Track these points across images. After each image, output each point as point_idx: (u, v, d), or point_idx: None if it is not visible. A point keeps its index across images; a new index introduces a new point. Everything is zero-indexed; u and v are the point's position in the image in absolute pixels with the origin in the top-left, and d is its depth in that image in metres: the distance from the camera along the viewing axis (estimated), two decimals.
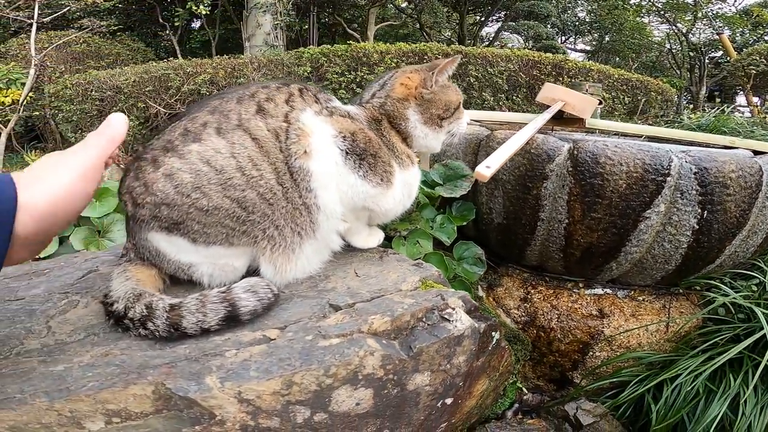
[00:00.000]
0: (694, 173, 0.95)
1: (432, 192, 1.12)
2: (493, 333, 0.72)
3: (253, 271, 0.70)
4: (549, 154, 1.01)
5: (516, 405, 1.13)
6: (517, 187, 1.06)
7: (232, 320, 0.60)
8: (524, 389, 1.19)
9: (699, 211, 0.97)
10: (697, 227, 0.98)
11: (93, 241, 1.12)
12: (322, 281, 0.75)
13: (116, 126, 0.54)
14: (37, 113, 4.11)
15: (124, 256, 0.71)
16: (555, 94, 1.60)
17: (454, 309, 0.67)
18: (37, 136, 5.07)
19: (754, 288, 1.12)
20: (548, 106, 1.56)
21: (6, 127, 3.43)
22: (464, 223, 1.13)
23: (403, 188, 0.75)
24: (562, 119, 1.59)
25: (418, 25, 8.87)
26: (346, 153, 0.67)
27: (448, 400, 0.69)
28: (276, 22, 6.36)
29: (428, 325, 0.65)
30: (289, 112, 0.65)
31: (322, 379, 0.55)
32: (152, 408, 0.51)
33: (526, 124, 1.66)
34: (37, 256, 0.49)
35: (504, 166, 1.09)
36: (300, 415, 0.55)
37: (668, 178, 0.94)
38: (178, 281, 0.71)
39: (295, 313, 0.65)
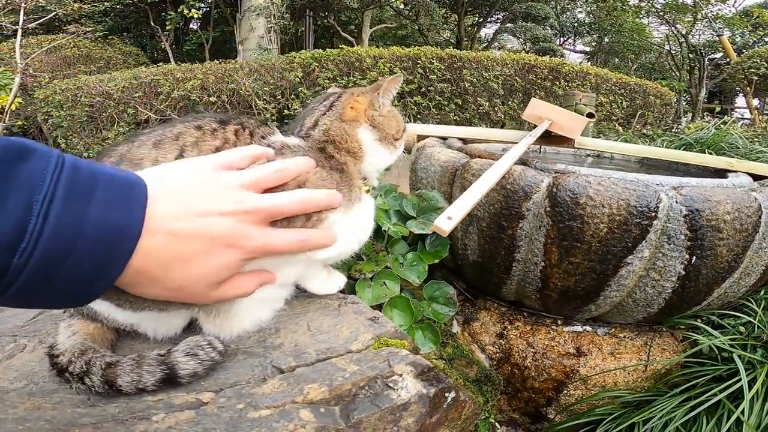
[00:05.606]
0: (684, 216, 0.87)
1: (402, 229, 1.05)
2: (447, 394, 0.66)
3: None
4: (526, 191, 0.94)
5: None
6: (492, 225, 0.99)
7: (171, 382, 0.56)
8: (497, 424, 1.12)
9: (687, 257, 0.89)
10: (684, 273, 0.91)
11: None
12: (272, 335, 0.68)
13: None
14: (20, 123, 4.03)
15: (65, 311, 0.66)
16: (542, 112, 1.53)
17: (400, 375, 0.61)
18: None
19: (742, 329, 1.05)
20: (535, 126, 1.49)
21: None
22: (436, 261, 1.06)
23: (350, 227, 0.66)
24: (551, 137, 1.52)
25: (416, 27, 8.79)
26: None
27: None
28: (269, 26, 6.28)
29: (371, 393, 0.59)
30: None
31: None
32: None
33: (508, 142, 1.59)
34: None
35: (479, 201, 1.01)
36: None
37: (654, 222, 0.86)
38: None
39: (234, 374, 0.60)
